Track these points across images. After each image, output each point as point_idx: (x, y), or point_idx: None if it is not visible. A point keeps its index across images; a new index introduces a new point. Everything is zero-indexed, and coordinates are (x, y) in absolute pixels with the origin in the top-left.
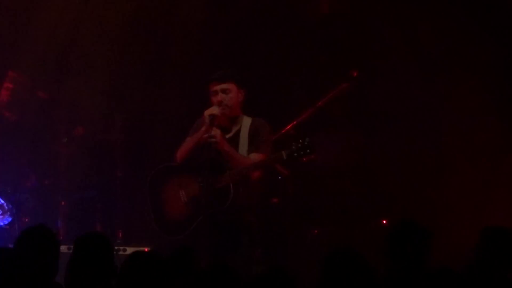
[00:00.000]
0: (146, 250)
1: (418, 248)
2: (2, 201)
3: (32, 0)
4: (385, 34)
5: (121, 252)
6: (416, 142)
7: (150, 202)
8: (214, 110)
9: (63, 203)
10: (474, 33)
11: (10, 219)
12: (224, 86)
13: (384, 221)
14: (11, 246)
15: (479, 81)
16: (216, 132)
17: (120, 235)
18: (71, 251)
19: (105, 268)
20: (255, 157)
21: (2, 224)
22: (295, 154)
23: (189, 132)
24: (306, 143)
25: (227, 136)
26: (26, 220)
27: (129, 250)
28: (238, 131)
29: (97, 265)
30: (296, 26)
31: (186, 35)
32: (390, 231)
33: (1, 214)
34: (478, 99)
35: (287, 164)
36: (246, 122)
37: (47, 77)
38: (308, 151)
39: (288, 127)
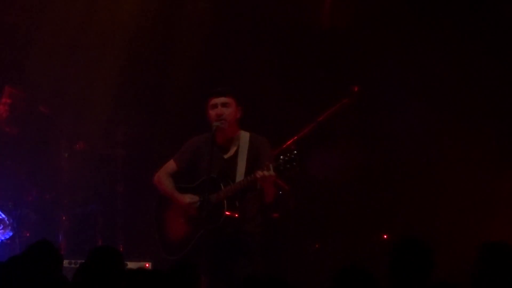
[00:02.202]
0: (147, 265)
1: (420, 264)
2: (3, 216)
3: (32, 15)
4: (385, 50)
5: None
6: (416, 157)
7: (156, 222)
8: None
9: (64, 217)
10: (473, 45)
11: (11, 233)
12: (224, 100)
13: (385, 236)
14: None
15: (479, 94)
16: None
17: (121, 250)
18: (72, 265)
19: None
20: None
21: (3, 238)
22: (281, 168)
23: (175, 155)
24: (293, 156)
25: (225, 157)
26: (27, 234)
27: (130, 264)
28: (237, 151)
29: (108, 279)
30: (297, 41)
31: (186, 51)
32: (392, 247)
33: (2, 229)
34: (477, 113)
35: (287, 179)
36: (244, 139)
37: (49, 92)
38: (294, 164)
39: (289, 142)
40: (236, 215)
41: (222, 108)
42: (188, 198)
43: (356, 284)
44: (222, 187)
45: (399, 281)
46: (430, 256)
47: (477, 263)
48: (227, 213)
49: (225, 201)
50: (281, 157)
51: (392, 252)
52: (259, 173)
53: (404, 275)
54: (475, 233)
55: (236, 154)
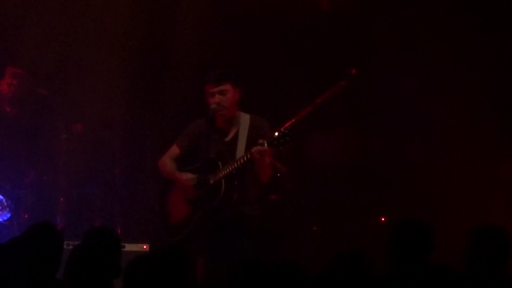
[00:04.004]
0: (145, 247)
1: (420, 246)
2: (1, 197)
3: None
4: (384, 32)
5: None
6: (415, 140)
7: (158, 206)
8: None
9: (62, 199)
10: (474, 32)
11: (9, 215)
12: (220, 88)
13: (383, 219)
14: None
15: (479, 79)
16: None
17: (119, 232)
18: (70, 247)
19: (110, 265)
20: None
21: (1, 220)
22: (275, 143)
23: (177, 139)
24: (286, 131)
25: (226, 140)
26: (26, 216)
27: (128, 246)
28: (237, 133)
29: (103, 261)
30: (295, 22)
31: (185, 31)
32: (393, 229)
33: (0, 210)
34: (477, 97)
35: (284, 160)
36: (244, 121)
37: (47, 74)
38: (287, 138)
39: (287, 124)
40: (235, 196)
41: (220, 96)
42: (185, 175)
43: (353, 267)
44: (221, 167)
45: (398, 263)
46: (430, 237)
47: (468, 247)
48: (223, 191)
49: (223, 181)
50: (276, 133)
51: (392, 233)
52: (255, 149)
53: (403, 257)
54: (474, 216)
55: (236, 136)
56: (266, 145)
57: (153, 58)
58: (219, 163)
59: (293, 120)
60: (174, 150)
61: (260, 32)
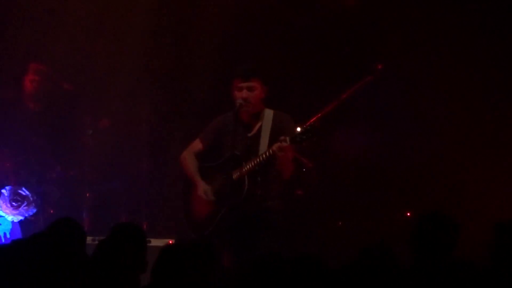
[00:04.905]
0: (170, 242)
1: (446, 239)
2: (27, 192)
3: None
4: (410, 27)
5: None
6: (440, 135)
7: (182, 200)
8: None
9: (88, 194)
10: (479, 31)
11: (35, 210)
12: (250, 84)
13: (408, 214)
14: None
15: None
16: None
17: (145, 227)
18: (96, 242)
19: (136, 261)
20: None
21: (27, 215)
22: (298, 139)
23: (201, 134)
24: (309, 127)
25: (249, 134)
26: (51, 211)
27: (154, 242)
28: (260, 128)
29: (129, 256)
30: (321, 17)
31: (209, 27)
32: (419, 222)
33: (26, 205)
34: (504, 92)
35: (310, 155)
36: (268, 116)
37: (73, 69)
38: (310, 134)
39: (312, 120)
40: (258, 191)
41: (248, 92)
42: (203, 186)
43: (380, 261)
44: (244, 163)
45: (423, 257)
46: (456, 231)
47: (493, 242)
48: (247, 187)
49: (246, 177)
50: (298, 129)
51: (418, 226)
52: (276, 145)
53: (428, 251)
54: (498, 211)
55: (259, 131)
56: (288, 141)
57: (178, 53)
58: (242, 159)
59: (319, 115)
60: (197, 145)
61: (286, 27)
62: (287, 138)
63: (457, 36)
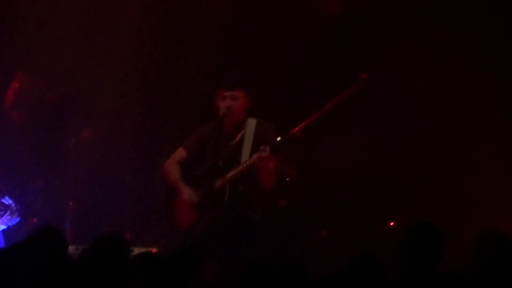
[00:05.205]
0: (154, 251)
1: (433, 250)
2: (11, 201)
3: (44, 2)
4: (395, 35)
5: None
6: (425, 144)
7: (166, 209)
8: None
9: (71, 203)
10: (486, 34)
11: (18, 219)
12: (233, 93)
13: (392, 223)
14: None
15: (491, 81)
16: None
17: (128, 236)
18: (79, 251)
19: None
20: (270, 166)
21: (10, 224)
22: (277, 148)
23: (184, 142)
24: (288, 137)
25: (231, 143)
26: (35, 220)
27: (137, 250)
28: (242, 137)
29: (112, 266)
30: (305, 26)
31: (197, 35)
32: (403, 233)
33: (10, 215)
34: (488, 100)
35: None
36: (251, 125)
37: (56, 79)
38: (290, 144)
39: (296, 129)
40: (240, 200)
41: (231, 101)
42: (187, 191)
43: (367, 272)
44: (226, 172)
45: (407, 267)
46: (441, 242)
47: (476, 253)
48: (228, 196)
49: (227, 187)
50: (278, 138)
51: (403, 237)
52: (256, 155)
53: (413, 261)
54: (482, 222)
55: (241, 140)
56: (267, 151)
57: (164, 63)
58: (224, 168)
59: (303, 124)
60: (181, 153)
61: (269, 37)
62: (267, 148)
63: (449, 41)
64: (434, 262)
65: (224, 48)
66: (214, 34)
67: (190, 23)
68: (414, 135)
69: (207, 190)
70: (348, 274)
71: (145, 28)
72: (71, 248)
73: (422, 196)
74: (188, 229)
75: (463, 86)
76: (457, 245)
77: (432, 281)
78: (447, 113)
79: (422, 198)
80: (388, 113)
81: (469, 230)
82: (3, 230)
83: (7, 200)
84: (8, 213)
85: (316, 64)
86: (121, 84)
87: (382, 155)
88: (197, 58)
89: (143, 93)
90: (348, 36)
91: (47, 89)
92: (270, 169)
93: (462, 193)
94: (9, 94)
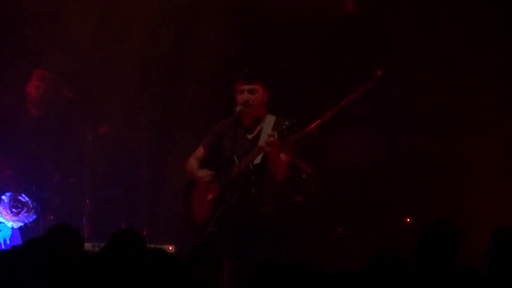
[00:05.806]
0: (170, 248)
1: (453, 246)
2: (27, 199)
3: (62, 0)
4: (409, 34)
5: None
6: (440, 141)
7: (183, 206)
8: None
9: (87, 201)
10: (496, 31)
11: (34, 216)
12: (251, 87)
13: (408, 220)
14: None
15: (503, 79)
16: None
17: (145, 233)
18: (96, 248)
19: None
20: (282, 157)
21: (27, 221)
22: (285, 133)
23: (203, 140)
24: (295, 121)
25: (249, 136)
26: (51, 218)
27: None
28: (260, 131)
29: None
30: (321, 24)
31: (210, 32)
32: (425, 229)
33: (26, 212)
34: (501, 96)
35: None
36: (269, 121)
37: (73, 76)
38: (296, 128)
39: (312, 126)
40: (253, 190)
41: (249, 94)
42: (201, 172)
43: (389, 268)
44: (237, 163)
45: (426, 263)
46: (460, 238)
47: (492, 248)
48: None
49: (240, 176)
50: (286, 123)
51: (422, 233)
52: (263, 141)
53: (432, 257)
54: (498, 217)
55: (258, 134)
56: (275, 135)
57: (179, 59)
58: (236, 159)
59: (318, 121)
60: (199, 150)
61: (285, 34)
62: (275, 133)
63: (457, 41)
64: (454, 258)
65: (238, 45)
66: (229, 30)
67: (204, 20)
68: (429, 132)
69: (223, 179)
70: (369, 270)
71: (160, 26)
72: (87, 245)
73: (437, 193)
74: (204, 222)
75: (477, 85)
76: (471, 241)
77: (452, 277)
78: (461, 110)
79: (437, 195)
80: (405, 110)
81: (483, 226)
82: (20, 227)
83: (24, 198)
84: (25, 210)
85: (333, 61)
86: (137, 81)
87: (398, 153)
88: (212, 54)
89: (159, 90)
90: (363, 34)
91: (64, 86)
92: (280, 159)
93: (475, 189)
94: (30, 91)
